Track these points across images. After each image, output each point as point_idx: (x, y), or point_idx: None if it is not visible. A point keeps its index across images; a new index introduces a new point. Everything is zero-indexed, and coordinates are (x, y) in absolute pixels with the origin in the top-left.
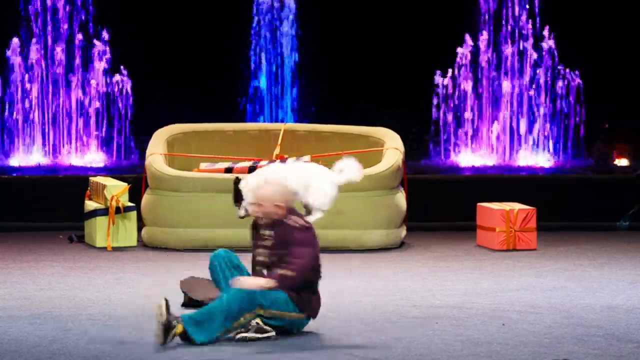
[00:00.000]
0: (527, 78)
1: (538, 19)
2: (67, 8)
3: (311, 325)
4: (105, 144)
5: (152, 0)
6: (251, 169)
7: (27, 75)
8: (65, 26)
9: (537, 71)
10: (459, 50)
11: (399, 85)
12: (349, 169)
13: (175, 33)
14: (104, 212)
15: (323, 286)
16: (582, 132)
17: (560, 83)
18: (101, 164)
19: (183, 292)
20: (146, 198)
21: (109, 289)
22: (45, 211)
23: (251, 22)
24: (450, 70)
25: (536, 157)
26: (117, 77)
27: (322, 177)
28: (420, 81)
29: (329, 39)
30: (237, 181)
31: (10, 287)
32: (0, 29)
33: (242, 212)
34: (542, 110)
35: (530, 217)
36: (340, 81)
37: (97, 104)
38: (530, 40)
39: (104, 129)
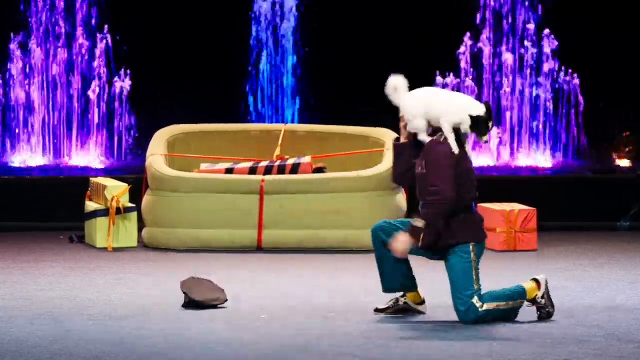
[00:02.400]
0: (527, 77)
1: (537, 18)
2: (68, 7)
3: (310, 325)
4: (106, 144)
5: (153, 0)
6: (252, 170)
7: (26, 75)
8: (66, 25)
9: (537, 70)
10: (459, 50)
11: None
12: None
13: (175, 32)
14: (105, 212)
15: (322, 286)
16: (582, 131)
17: (560, 83)
18: (101, 165)
19: (184, 292)
20: (147, 199)
21: (109, 289)
22: (45, 211)
23: (251, 21)
24: (449, 71)
25: (536, 157)
26: (117, 76)
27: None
28: (420, 83)
29: (329, 40)
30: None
31: (10, 288)
32: (0, 28)
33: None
34: (541, 110)
35: (531, 217)
36: (339, 84)
37: (97, 104)
38: (530, 40)
39: (104, 129)
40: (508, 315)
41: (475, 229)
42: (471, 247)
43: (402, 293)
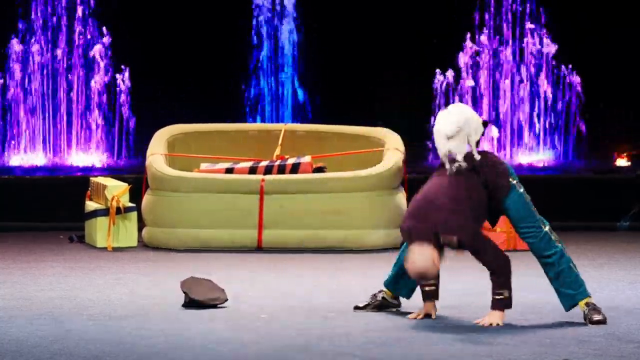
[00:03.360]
0: (527, 77)
1: (537, 18)
2: (68, 7)
3: (310, 325)
4: (106, 144)
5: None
6: (252, 170)
7: (26, 75)
8: (66, 25)
9: (537, 70)
10: (458, 50)
11: (397, 86)
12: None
13: (175, 32)
14: (105, 212)
15: (322, 286)
16: (582, 132)
17: (560, 83)
18: (101, 164)
19: (183, 292)
20: (147, 198)
21: (109, 289)
22: (45, 211)
23: (251, 21)
24: (449, 71)
25: (536, 157)
26: (117, 76)
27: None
28: (419, 82)
29: (329, 40)
30: None
31: (10, 287)
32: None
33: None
34: (541, 109)
35: None
36: (339, 84)
37: (97, 104)
38: (530, 40)
39: (104, 129)
40: (575, 271)
41: (504, 170)
42: (512, 183)
43: (379, 289)
